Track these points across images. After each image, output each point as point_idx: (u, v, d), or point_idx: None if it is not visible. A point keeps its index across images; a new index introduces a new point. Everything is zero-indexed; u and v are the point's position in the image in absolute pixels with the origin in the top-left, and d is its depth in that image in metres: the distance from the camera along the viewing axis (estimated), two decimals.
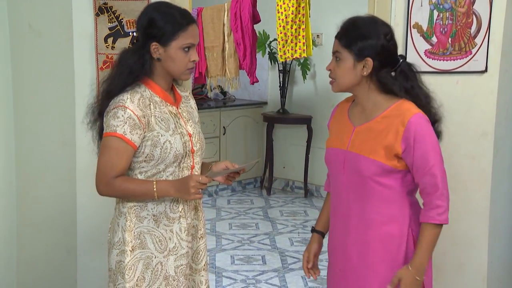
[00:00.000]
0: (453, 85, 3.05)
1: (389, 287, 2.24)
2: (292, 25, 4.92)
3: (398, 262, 2.27)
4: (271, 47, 6.70)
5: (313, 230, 2.59)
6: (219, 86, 6.58)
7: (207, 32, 5.65)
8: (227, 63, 5.58)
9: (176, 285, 2.40)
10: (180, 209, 2.39)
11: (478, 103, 3.01)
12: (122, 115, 2.25)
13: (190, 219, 2.44)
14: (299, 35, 4.94)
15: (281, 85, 6.78)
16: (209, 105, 6.85)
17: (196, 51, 2.35)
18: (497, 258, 3.17)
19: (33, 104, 3.55)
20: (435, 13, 3.04)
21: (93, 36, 3.36)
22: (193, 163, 2.41)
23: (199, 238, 2.51)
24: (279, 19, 4.93)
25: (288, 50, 5.00)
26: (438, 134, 2.34)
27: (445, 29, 3.02)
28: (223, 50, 5.61)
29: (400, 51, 2.75)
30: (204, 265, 2.54)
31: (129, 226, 2.34)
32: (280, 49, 5.03)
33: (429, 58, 3.07)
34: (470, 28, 2.96)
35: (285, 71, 6.72)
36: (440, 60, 3.05)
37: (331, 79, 2.33)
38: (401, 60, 2.30)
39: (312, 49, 5.14)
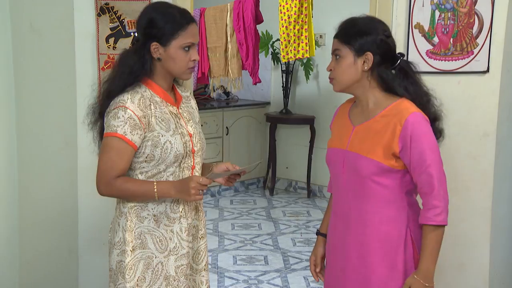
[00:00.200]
0: (455, 86, 3.04)
1: None
2: (294, 25, 4.91)
3: (397, 262, 2.26)
4: (274, 48, 6.69)
5: (318, 233, 2.59)
6: (222, 86, 6.57)
7: (209, 32, 5.66)
8: (230, 64, 5.59)
9: (177, 285, 2.41)
10: (180, 209, 2.39)
11: (480, 104, 3.00)
12: (123, 116, 2.25)
13: (191, 219, 2.44)
14: (301, 35, 4.94)
15: (284, 85, 6.77)
16: (212, 106, 6.84)
17: (197, 50, 2.36)
18: (499, 258, 3.16)
19: (34, 104, 3.56)
20: (437, 13, 3.03)
21: (95, 36, 3.37)
22: (193, 163, 2.41)
23: (200, 238, 2.51)
24: (282, 20, 4.93)
25: (290, 50, 4.99)
26: (439, 132, 2.33)
27: (447, 29, 3.02)
28: (226, 50, 5.62)
29: (402, 51, 2.76)
30: (205, 265, 2.54)
31: (129, 226, 2.34)
32: (282, 49, 5.03)
33: (431, 58, 3.06)
34: (472, 28, 2.95)
35: (288, 72, 6.71)
36: (441, 61, 3.04)
37: (331, 79, 2.33)
38: (400, 58, 2.30)
39: (315, 49, 5.13)
